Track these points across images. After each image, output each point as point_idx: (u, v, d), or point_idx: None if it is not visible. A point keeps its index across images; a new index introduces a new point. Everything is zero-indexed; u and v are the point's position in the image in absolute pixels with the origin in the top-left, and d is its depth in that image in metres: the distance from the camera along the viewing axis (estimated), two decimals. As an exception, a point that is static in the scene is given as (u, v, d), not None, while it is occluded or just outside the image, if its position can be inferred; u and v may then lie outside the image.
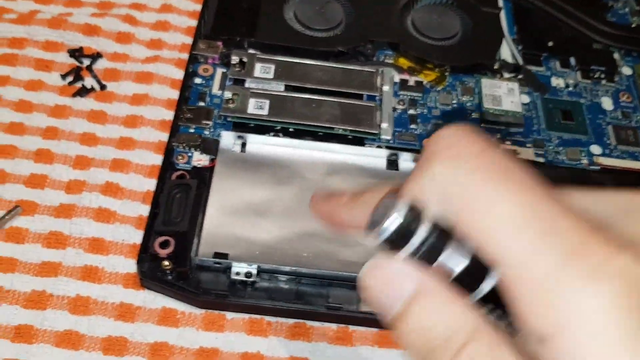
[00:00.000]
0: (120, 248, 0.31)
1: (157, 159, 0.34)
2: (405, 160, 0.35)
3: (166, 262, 0.29)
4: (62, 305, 0.29)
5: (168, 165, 0.32)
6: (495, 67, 0.40)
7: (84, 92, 0.37)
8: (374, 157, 0.35)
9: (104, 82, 0.37)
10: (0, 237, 0.31)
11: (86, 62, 0.38)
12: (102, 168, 0.34)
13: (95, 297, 0.29)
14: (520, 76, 0.40)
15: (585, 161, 0.36)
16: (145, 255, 0.29)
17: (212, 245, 0.30)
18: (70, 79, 0.37)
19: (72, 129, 0.35)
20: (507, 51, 0.42)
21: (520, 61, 0.41)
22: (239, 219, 0.31)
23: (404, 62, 0.40)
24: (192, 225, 0.30)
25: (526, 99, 0.39)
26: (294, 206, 0.32)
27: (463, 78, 0.39)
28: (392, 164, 0.35)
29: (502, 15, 0.43)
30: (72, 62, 0.38)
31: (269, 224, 0.31)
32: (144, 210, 0.32)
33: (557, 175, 0.35)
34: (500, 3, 0.43)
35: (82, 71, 0.38)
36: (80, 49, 0.39)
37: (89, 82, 0.37)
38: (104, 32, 0.40)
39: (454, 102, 0.38)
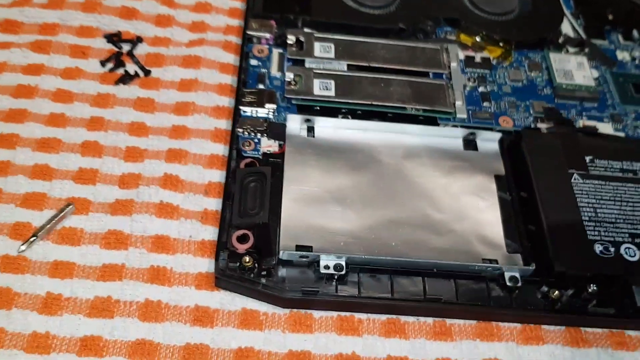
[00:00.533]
0: (188, 246, 0.28)
1: (216, 148, 0.31)
2: (484, 140, 0.32)
3: (247, 259, 0.26)
4: (131, 311, 0.26)
5: (234, 153, 0.30)
6: (559, 41, 0.38)
7: (127, 78, 0.33)
8: (450, 137, 0.32)
9: (147, 68, 0.34)
10: (54, 239, 0.27)
11: (126, 47, 0.35)
12: (157, 159, 0.30)
13: (166, 301, 0.26)
14: (586, 50, 0.38)
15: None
16: (223, 251, 0.26)
17: (292, 238, 0.27)
18: (110, 65, 0.34)
19: (118, 118, 0.32)
20: (567, 25, 0.40)
21: (584, 35, 0.39)
22: (316, 208, 0.28)
23: (465, 38, 0.37)
24: (272, 217, 0.27)
25: (595, 73, 0.37)
26: (374, 192, 0.29)
27: (529, 53, 0.37)
28: (470, 143, 0.32)
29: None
30: (110, 47, 0.35)
31: (349, 212, 0.29)
32: (208, 203, 0.29)
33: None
34: (555, -24, 0.42)
35: (122, 57, 0.34)
36: (118, 34, 0.35)
37: (130, 68, 0.34)
38: (142, 15, 0.36)
39: (524, 77, 0.36)
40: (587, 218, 0.29)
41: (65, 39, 0.35)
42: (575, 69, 0.36)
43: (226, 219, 0.27)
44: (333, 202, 0.29)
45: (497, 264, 0.27)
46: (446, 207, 0.29)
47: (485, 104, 0.34)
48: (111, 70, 0.34)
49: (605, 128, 0.34)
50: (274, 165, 0.29)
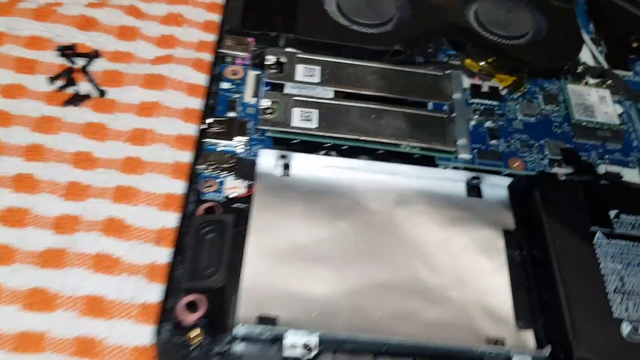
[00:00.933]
0: (128, 310, 0.23)
1: (175, 186, 0.27)
2: (490, 186, 0.28)
3: (195, 332, 0.21)
4: (49, 394, 0.21)
5: (193, 195, 0.25)
6: (578, 70, 0.33)
7: (77, 99, 0.29)
8: (450, 181, 0.28)
9: (102, 88, 0.29)
10: (-36, 297, 0.23)
11: (80, 62, 0.30)
12: (103, 198, 0.26)
13: (96, 380, 0.22)
14: (608, 82, 0.33)
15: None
16: (166, 322, 0.21)
17: (254, 306, 0.22)
18: (60, 83, 0.29)
19: (62, 147, 0.27)
20: (586, 52, 0.35)
21: (605, 64, 0.34)
22: (286, 268, 0.24)
23: (471, 64, 0.33)
24: (230, 279, 0.22)
25: (619, 109, 0.32)
26: (357, 247, 0.25)
27: (544, 83, 0.32)
28: (474, 189, 0.27)
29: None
30: (63, 62, 0.30)
31: (326, 273, 0.24)
32: (160, 255, 0.25)
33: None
34: (574, -4, 0.37)
35: (74, 73, 0.30)
36: (73, 47, 0.31)
37: (84, 87, 0.29)
38: (103, 26, 0.32)
39: (537, 112, 0.31)
40: (612, 289, 0.24)
41: (11, 50, 0.30)
42: (596, 104, 0.32)
43: (174, 280, 0.22)
44: (307, 260, 0.24)
45: (504, 345, 0.23)
46: (444, 268, 0.25)
47: (493, 142, 0.29)
48: (61, 88, 0.29)
49: (631, 175, 0.29)
50: (238, 212, 0.24)
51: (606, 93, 0.32)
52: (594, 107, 0.31)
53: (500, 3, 0.35)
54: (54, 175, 0.26)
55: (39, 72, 0.30)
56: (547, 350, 0.22)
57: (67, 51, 0.30)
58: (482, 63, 0.32)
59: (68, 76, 0.29)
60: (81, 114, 0.28)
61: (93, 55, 0.30)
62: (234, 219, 0.24)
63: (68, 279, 0.23)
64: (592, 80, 0.33)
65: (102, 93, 0.29)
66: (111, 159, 0.27)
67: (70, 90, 0.29)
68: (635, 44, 0.36)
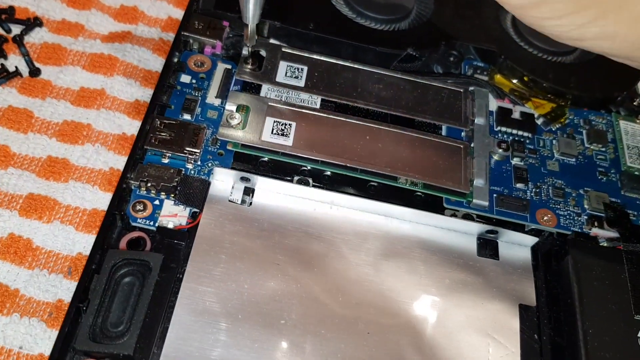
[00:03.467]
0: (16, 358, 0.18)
1: (103, 201, 0.21)
2: (509, 244, 0.21)
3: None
4: None
5: (116, 219, 0.19)
6: (635, 103, 0.27)
7: (2, 76, 0.23)
8: (459, 233, 0.21)
9: (37, 65, 0.24)
10: None
11: (15, 29, 0.25)
12: (9, 209, 0.20)
13: None
14: (670, 120, 0.27)
15: None
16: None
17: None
18: (-17, 53, 0.24)
19: (-31, 136, 0.22)
20: (647, 81, 0.29)
21: (668, 97, 0.28)
22: (225, 335, 0.18)
23: (502, 81, 0.26)
24: (144, 343, 0.17)
25: (681, 156, 0.26)
26: (325, 312, 0.19)
27: (589, 115, 0.26)
28: (488, 247, 0.21)
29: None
30: (-7, 28, 0.25)
31: (279, 346, 0.18)
32: (67, 289, 0.19)
33: None
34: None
35: (5, 44, 0.24)
36: (10, 10, 0.25)
37: (13, 61, 0.24)
38: (51, -12, 0.26)
39: (579, 151, 0.25)
40: (662, 410, 0.18)
41: None
42: (655, 148, 0.25)
43: (72, 335, 0.17)
44: (256, 326, 0.18)
45: None
46: (437, 351, 0.19)
47: (520, 185, 0.23)
48: (-16, 60, 0.24)
49: (693, 245, 0.23)
50: (171, 252, 0.19)
51: (667, 135, 0.26)
52: (651, 152, 0.25)
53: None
54: (-51, 173, 0.20)
55: (-39, 38, 0.24)
56: None
57: (2, 15, 0.25)
58: (515, 81, 0.26)
59: (-4, 46, 0.24)
60: (3, 96, 0.23)
61: (33, 22, 0.25)
62: (163, 261, 0.18)
63: None
64: (650, 117, 0.27)
65: (34, 72, 0.23)
66: (30, 157, 0.21)
67: (-5, 64, 0.23)
68: None
